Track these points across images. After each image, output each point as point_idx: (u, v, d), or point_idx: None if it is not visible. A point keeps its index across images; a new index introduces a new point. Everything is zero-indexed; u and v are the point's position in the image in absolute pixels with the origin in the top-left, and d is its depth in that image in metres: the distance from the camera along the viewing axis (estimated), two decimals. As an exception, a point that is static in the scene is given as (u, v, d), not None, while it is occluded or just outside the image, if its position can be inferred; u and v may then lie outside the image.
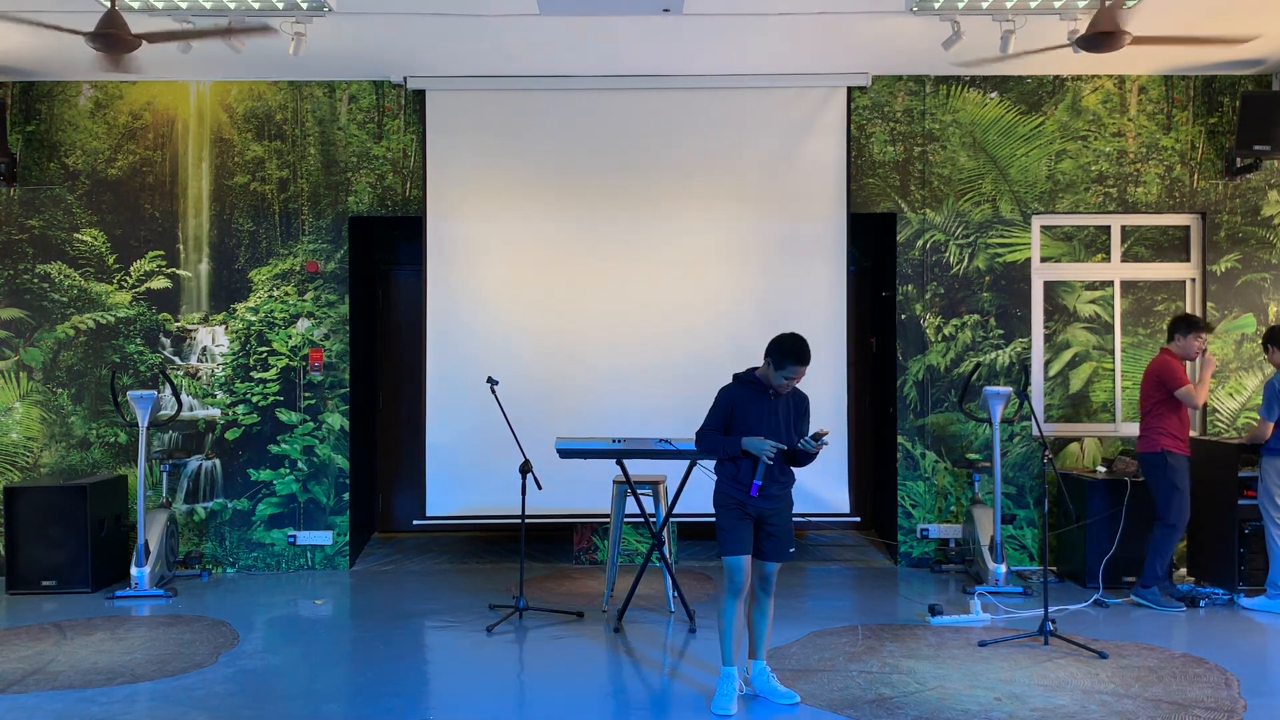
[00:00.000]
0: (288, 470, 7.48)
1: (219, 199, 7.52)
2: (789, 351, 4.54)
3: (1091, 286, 7.56)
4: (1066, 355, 7.55)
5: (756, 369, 4.70)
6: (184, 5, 5.84)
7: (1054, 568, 7.26)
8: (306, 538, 7.48)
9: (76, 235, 7.47)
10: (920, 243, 7.51)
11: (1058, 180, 7.47)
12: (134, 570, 6.69)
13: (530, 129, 7.46)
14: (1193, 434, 7.40)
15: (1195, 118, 7.46)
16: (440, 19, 6.22)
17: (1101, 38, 5.62)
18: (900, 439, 7.52)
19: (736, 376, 4.74)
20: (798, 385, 4.70)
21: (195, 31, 5.92)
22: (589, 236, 7.47)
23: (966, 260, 7.50)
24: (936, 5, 5.96)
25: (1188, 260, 7.56)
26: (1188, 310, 7.51)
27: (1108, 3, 5.56)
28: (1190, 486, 6.32)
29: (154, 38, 5.61)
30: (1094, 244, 7.55)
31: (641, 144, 7.45)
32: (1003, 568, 6.68)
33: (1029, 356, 7.46)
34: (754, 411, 4.60)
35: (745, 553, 4.57)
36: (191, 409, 7.48)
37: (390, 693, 4.85)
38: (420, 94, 7.47)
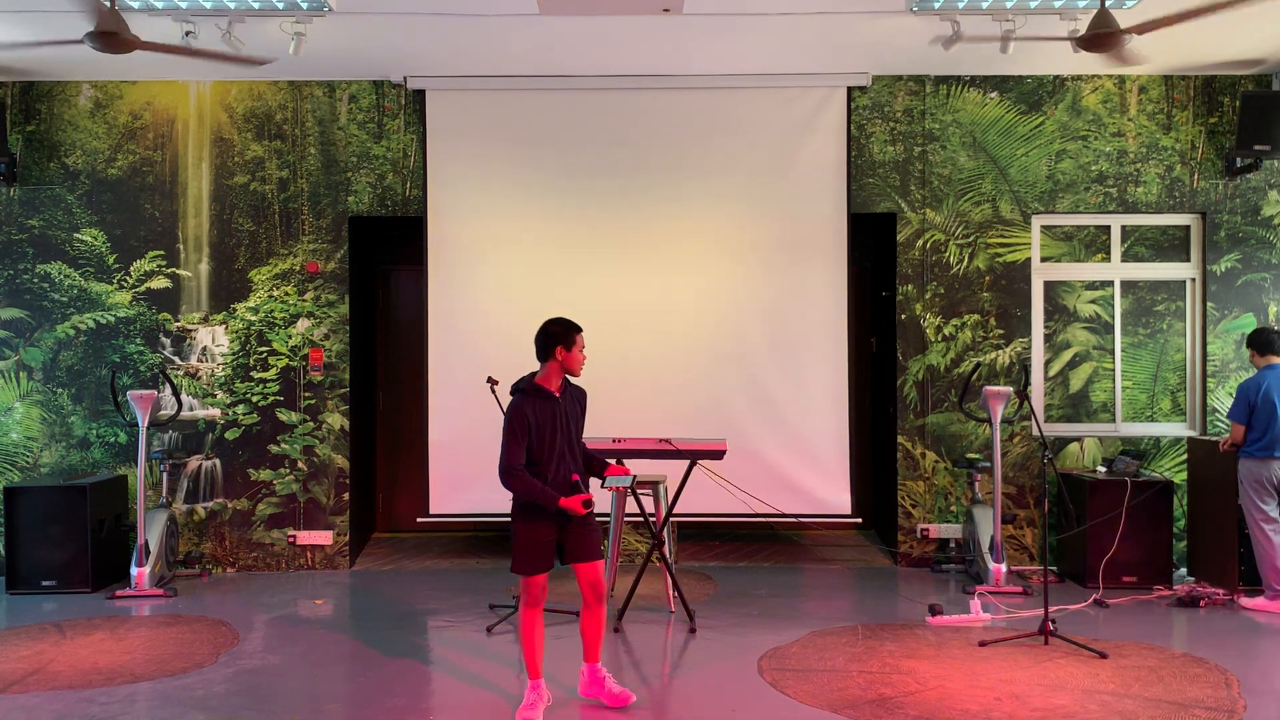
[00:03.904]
0: (288, 470, 7.48)
1: (219, 199, 7.52)
2: (567, 324, 4.51)
3: (1091, 286, 7.56)
4: (1066, 355, 7.55)
5: (535, 375, 4.53)
6: (184, 5, 5.84)
7: (1054, 568, 7.26)
8: (306, 538, 7.48)
9: (76, 235, 7.47)
10: (920, 243, 7.51)
11: (1058, 180, 7.47)
12: (134, 570, 6.70)
13: (530, 129, 7.46)
14: (1193, 434, 7.42)
15: (1195, 118, 7.46)
16: (440, 19, 6.22)
17: (1101, 38, 5.62)
18: (900, 439, 7.52)
19: (517, 388, 4.52)
20: (576, 382, 4.65)
21: (193, 50, 5.89)
22: (589, 236, 7.47)
23: (966, 260, 7.50)
24: (936, 5, 5.96)
25: (1188, 260, 7.56)
26: (1188, 310, 7.52)
27: (1108, 3, 5.56)
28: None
29: (152, 46, 5.60)
30: (1094, 244, 7.55)
31: (641, 144, 7.45)
32: (1003, 568, 6.68)
33: (1029, 356, 7.46)
34: (548, 424, 4.43)
35: (547, 569, 4.49)
36: (191, 409, 7.48)
37: (390, 693, 4.85)
38: (420, 94, 7.46)
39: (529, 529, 4.47)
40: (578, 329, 4.53)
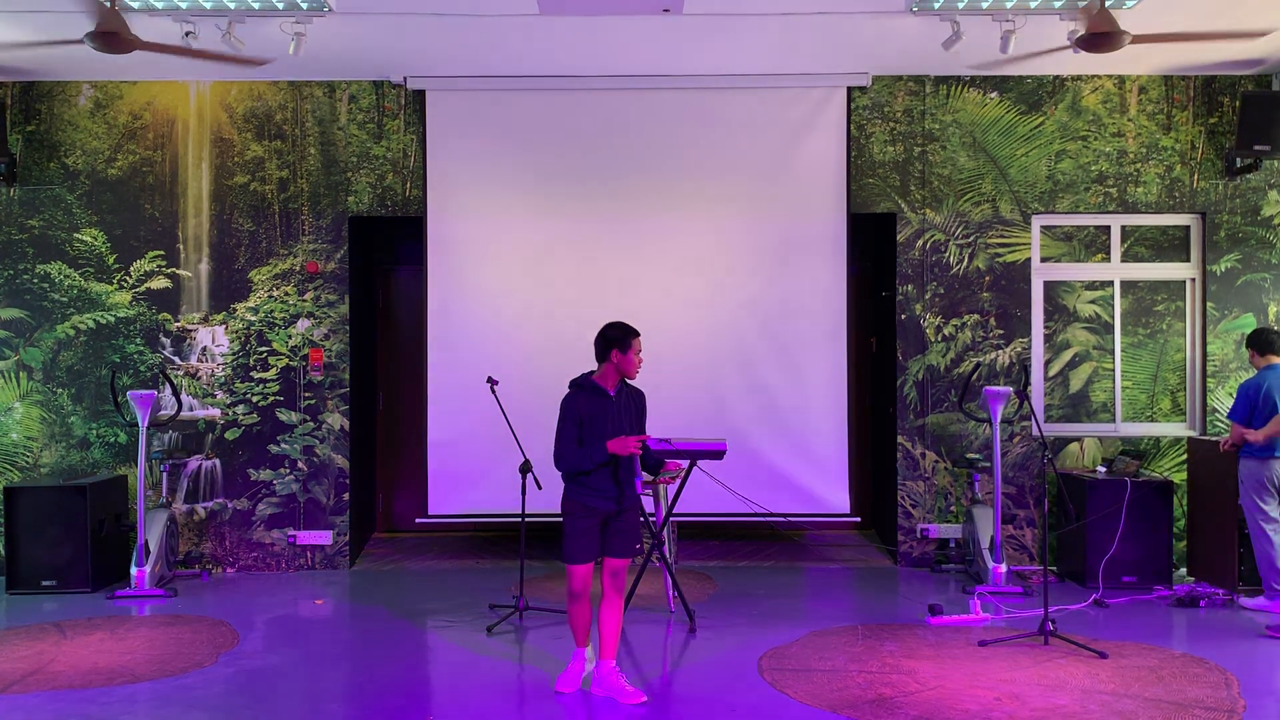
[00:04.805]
0: (288, 470, 7.48)
1: (219, 199, 7.52)
2: (624, 329, 4.69)
3: (1091, 286, 7.56)
4: (1066, 355, 7.55)
5: (593, 373, 4.75)
6: (184, 5, 5.84)
7: (1054, 568, 7.26)
8: (306, 538, 7.48)
9: (76, 235, 7.47)
10: (920, 243, 7.51)
11: (1058, 180, 7.47)
12: (134, 570, 6.69)
13: (530, 129, 7.46)
14: (1192, 434, 7.42)
15: (1195, 118, 7.46)
16: (440, 19, 6.22)
17: (1101, 38, 5.63)
18: (900, 439, 7.52)
19: (575, 383, 4.77)
20: (635, 384, 4.85)
21: (194, 51, 5.91)
22: (589, 236, 7.47)
23: (966, 260, 7.50)
24: (936, 5, 5.96)
25: (1188, 260, 7.56)
26: (1188, 310, 7.52)
27: (1107, 3, 5.56)
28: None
29: (153, 46, 5.61)
30: (1094, 244, 7.55)
31: (641, 144, 7.45)
32: (1003, 568, 6.68)
33: (1029, 356, 7.46)
34: (599, 418, 4.65)
35: (590, 559, 4.68)
36: (191, 409, 7.48)
37: (391, 692, 4.85)
38: (420, 94, 7.46)
39: (573, 521, 4.69)
40: (635, 334, 4.72)
